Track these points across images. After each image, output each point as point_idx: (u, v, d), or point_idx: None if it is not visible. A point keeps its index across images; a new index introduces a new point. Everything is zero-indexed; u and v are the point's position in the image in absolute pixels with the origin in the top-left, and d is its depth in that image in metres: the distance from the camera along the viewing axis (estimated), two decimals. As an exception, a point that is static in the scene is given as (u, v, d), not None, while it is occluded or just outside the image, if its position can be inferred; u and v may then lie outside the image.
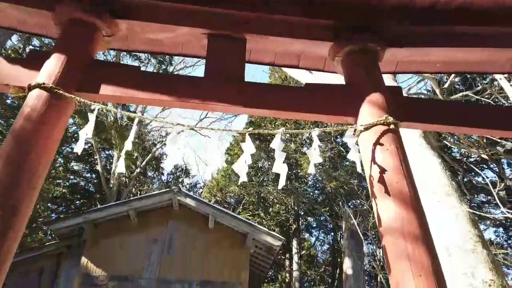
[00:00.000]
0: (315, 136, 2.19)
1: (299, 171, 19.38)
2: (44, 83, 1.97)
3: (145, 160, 20.99)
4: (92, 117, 2.04)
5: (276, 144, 2.16)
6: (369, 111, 2.18)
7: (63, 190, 20.00)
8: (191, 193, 10.92)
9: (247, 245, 10.42)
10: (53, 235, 12.59)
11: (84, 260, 9.63)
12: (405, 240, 1.73)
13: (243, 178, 2.16)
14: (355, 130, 2.15)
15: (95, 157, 21.20)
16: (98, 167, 19.04)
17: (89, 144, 23.22)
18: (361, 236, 10.62)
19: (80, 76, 2.14)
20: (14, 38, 16.24)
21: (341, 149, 19.87)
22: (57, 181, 20.23)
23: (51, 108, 1.93)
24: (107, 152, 24.53)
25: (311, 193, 20.23)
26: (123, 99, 2.19)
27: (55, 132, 1.96)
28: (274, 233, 10.62)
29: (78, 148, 2.09)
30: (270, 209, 21.14)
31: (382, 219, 1.86)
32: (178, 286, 9.63)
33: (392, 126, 2.06)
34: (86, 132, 2.04)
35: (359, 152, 2.12)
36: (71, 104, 2.06)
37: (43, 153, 1.87)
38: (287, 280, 20.24)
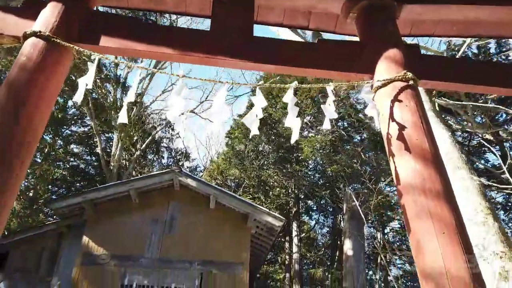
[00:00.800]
0: (330, 91, 2.06)
1: (299, 154, 19.30)
2: (40, 31, 1.83)
3: (145, 143, 20.88)
4: (92, 67, 1.90)
5: (289, 97, 2.03)
6: (387, 67, 2.05)
7: (63, 172, 19.97)
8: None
9: (248, 225, 10.40)
10: (54, 216, 12.58)
11: (85, 239, 9.62)
12: (427, 197, 1.62)
13: (254, 131, 2.04)
14: (371, 86, 2.02)
15: (95, 139, 21.08)
16: (98, 150, 18.95)
17: (89, 127, 23.09)
18: (363, 217, 10.60)
19: (79, 26, 2.00)
20: None
21: (343, 132, 19.76)
22: (57, 163, 20.17)
23: (47, 57, 1.80)
24: (107, 135, 24.42)
25: (312, 176, 20.19)
26: (124, 51, 2.06)
27: (52, 83, 1.83)
28: (275, 213, 10.58)
29: (78, 97, 1.96)
30: (270, 192, 21.15)
31: (401, 177, 1.75)
32: (179, 265, 9.64)
33: (411, 82, 1.94)
34: (86, 82, 1.90)
35: (377, 108, 2.00)
36: (69, 55, 1.92)
37: (39, 104, 1.74)
38: (286, 262, 20.39)
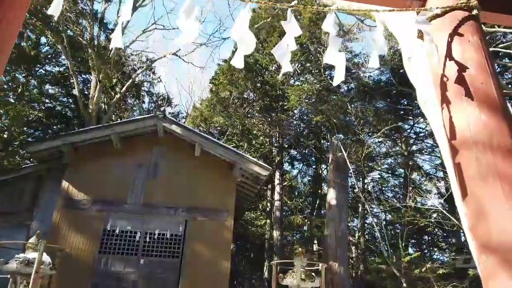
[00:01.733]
0: (378, 21, 1.67)
1: (285, 103, 18.93)
2: None
3: (125, 86, 19.94)
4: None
5: (330, 24, 1.62)
6: (443, -7, 1.67)
7: (39, 114, 19.08)
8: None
9: (234, 174, 10.25)
10: (32, 159, 12.05)
11: (65, 184, 9.28)
12: (494, 154, 1.34)
13: (286, 67, 1.66)
14: (426, 15, 1.65)
15: (71, 80, 19.96)
16: (76, 91, 17.99)
17: (64, 66, 21.75)
18: (349, 167, 10.61)
19: None
20: None
21: (330, 81, 19.34)
22: (32, 104, 19.15)
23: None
24: (84, 76, 23.20)
25: (297, 126, 20.04)
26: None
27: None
28: (261, 163, 10.42)
29: (54, 9, 1.52)
30: (254, 141, 21.00)
31: (458, 129, 1.44)
32: (163, 211, 9.52)
33: (474, 12, 1.58)
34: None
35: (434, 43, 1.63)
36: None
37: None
38: (267, 209, 20.82)
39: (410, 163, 16.52)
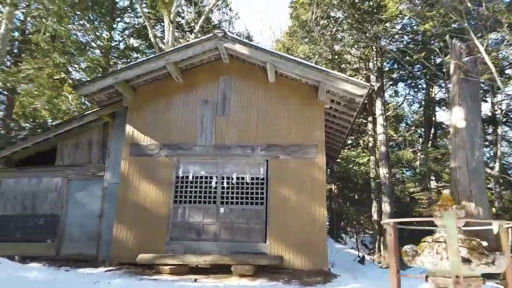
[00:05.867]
0: None
1: (381, 15, 15.33)
2: None
3: (199, 25, 18.45)
4: None
5: None
6: None
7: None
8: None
9: (320, 99, 8.07)
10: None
11: (129, 128, 8.28)
12: None
13: None
14: None
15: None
16: (151, 36, 17.12)
17: (142, 18, 21.20)
18: (478, 75, 7.57)
19: None
20: None
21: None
22: (120, 58, 19.03)
23: None
24: (162, 24, 22.47)
25: (398, 41, 16.36)
26: None
27: None
28: (355, 79, 7.96)
29: None
30: (347, 66, 18.04)
31: None
32: (239, 151, 7.96)
33: None
34: None
35: None
36: None
37: None
38: (370, 145, 18.18)
39: None
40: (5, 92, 19.32)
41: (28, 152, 9.11)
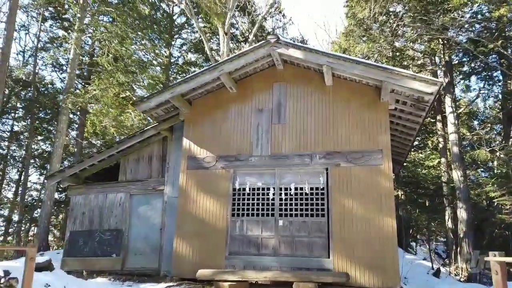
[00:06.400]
0: None
1: (447, 4, 14.06)
2: None
3: (252, 33, 18.42)
4: None
5: None
6: None
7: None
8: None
9: (384, 100, 7.42)
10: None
11: (185, 142, 8.29)
12: None
13: None
14: None
15: (209, 43, 19.65)
16: (206, 49, 17.41)
17: (198, 32, 21.77)
18: None
19: None
20: None
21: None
22: (179, 73, 19.69)
23: None
24: (217, 37, 22.90)
25: (469, 30, 14.86)
26: None
27: None
28: (423, 75, 7.20)
29: None
30: (410, 63, 16.82)
31: None
32: (296, 161, 7.57)
33: None
34: None
35: None
36: None
37: None
38: (440, 146, 16.71)
39: None
40: (78, 113, 20.93)
41: (95, 169, 9.54)
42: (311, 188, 7.50)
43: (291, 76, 8.17)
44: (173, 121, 8.80)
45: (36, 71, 20.16)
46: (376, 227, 6.86)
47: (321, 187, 7.45)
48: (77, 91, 16.04)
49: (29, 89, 19.89)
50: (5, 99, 20.22)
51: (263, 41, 7.63)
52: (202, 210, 7.78)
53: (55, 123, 19.66)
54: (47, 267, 5.86)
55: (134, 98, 16.90)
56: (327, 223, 7.20)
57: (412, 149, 18.00)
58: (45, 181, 15.53)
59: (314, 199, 7.44)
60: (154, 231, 8.56)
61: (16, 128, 22.06)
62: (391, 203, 7.01)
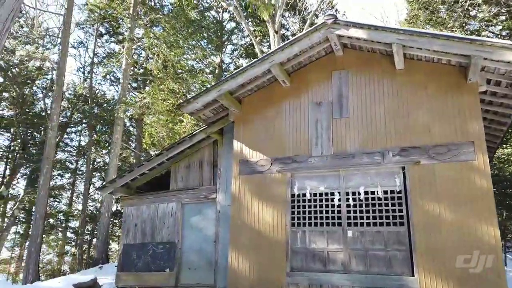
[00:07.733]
0: None
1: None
2: None
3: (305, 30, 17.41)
4: None
5: None
6: None
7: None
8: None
9: (471, 81, 6.03)
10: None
11: (237, 145, 7.49)
12: None
13: None
14: None
15: (262, 47, 19.05)
16: (256, 50, 16.75)
17: (249, 37, 21.26)
18: None
19: None
20: None
21: None
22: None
23: None
24: (267, 38, 22.24)
25: None
26: None
27: None
28: (526, 44, 5.68)
29: None
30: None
31: None
32: (364, 160, 6.41)
33: None
34: None
35: None
36: None
37: None
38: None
39: None
40: (134, 124, 21.35)
41: (146, 178, 9.11)
42: (385, 192, 6.29)
43: (353, 62, 7.04)
44: (222, 123, 8.08)
45: (94, 85, 20.90)
46: (471, 236, 5.48)
47: (398, 190, 6.21)
48: (129, 99, 16.11)
49: (88, 103, 20.65)
50: (68, 114, 21.20)
51: (318, 24, 6.62)
52: (258, 220, 6.89)
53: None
54: (91, 286, 5.34)
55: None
56: (408, 232, 5.95)
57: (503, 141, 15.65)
58: (98, 192, 15.72)
59: (390, 205, 6.21)
60: (207, 243, 7.84)
61: (83, 143, 23.09)
62: (491, 207, 5.58)
